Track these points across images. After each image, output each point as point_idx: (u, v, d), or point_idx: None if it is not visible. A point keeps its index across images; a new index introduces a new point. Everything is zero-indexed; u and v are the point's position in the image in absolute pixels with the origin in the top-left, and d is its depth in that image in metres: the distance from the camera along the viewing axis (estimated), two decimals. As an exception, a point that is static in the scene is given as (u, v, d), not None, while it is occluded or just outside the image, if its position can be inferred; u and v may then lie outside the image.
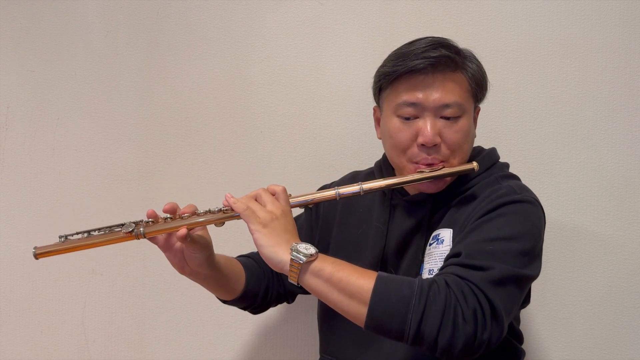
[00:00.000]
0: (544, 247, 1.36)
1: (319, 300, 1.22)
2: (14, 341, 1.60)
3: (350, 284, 0.88)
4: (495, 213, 0.96)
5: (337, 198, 1.03)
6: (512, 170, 1.12)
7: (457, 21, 1.43)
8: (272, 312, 1.29)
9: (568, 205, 1.39)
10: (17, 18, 1.62)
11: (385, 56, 1.10)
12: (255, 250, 1.23)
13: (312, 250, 0.91)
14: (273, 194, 1.00)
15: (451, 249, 0.98)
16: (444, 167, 1.03)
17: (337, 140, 1.49)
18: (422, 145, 1.03)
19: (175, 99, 1.55)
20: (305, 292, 1.25)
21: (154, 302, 1.55)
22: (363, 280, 0.88)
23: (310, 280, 0.91)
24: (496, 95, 1.40)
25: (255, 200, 0.98)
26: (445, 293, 0.85)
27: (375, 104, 1.16)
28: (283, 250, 0.91)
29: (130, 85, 1.57)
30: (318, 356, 1.21)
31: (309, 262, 0.90)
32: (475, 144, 1.15)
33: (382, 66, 1.09)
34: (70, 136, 1.59)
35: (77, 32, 1.59)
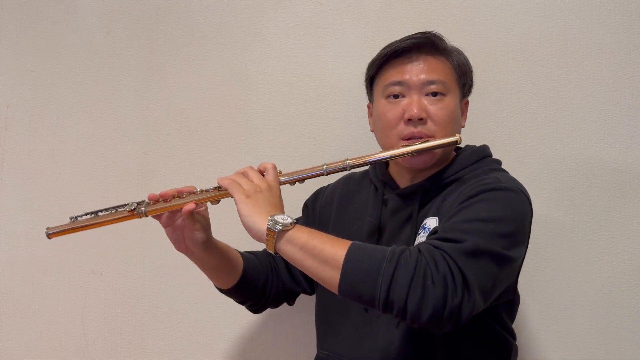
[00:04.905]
0: (543, 247, 1.38)
1: (316, 299, 1.23)
2: (14, 341, 1.60)
3: (324, 250, 0.91)
4: (476, 199, 0.98)
5: (325, 174, 1.07)
6: (511, 169, 1.12)
7: (457, 21, 1.43)
8: (270, 310, 1.29)
9: (567, 205, 1.39)
10: (17, 18, 1.62)
11: (384, 56, 1.12)
12: (258, 249, 1.25)
13: (288, 220, 0.94)
14: (263, 170, 1.05)
15: None
16: (428, 141, 1.06)
17: (337, 140, 1.49)
18: (409, 120, 1.07)
19: (175, 99, 1.55)
20: (305, 292, 1.26)
21: (154, 302, 1.55)
22: (337, 248, 0.91)
23: (285, 248, 0.93)
24: (495, 95, 1.41)
25: (244, 175, 1.03)
26: (416, 257, 0.87)
27: (369, 102, 1.19)
28: (262, 220, 0.95)
29: (130, 85, 1.57)
30: (315, 352, 1.22)
31: (284, 231, 0.93)
32: (475, 144, 1.15)
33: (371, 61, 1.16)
34: (70, 136, 1.59)
35: (77, 32, 1.60)
